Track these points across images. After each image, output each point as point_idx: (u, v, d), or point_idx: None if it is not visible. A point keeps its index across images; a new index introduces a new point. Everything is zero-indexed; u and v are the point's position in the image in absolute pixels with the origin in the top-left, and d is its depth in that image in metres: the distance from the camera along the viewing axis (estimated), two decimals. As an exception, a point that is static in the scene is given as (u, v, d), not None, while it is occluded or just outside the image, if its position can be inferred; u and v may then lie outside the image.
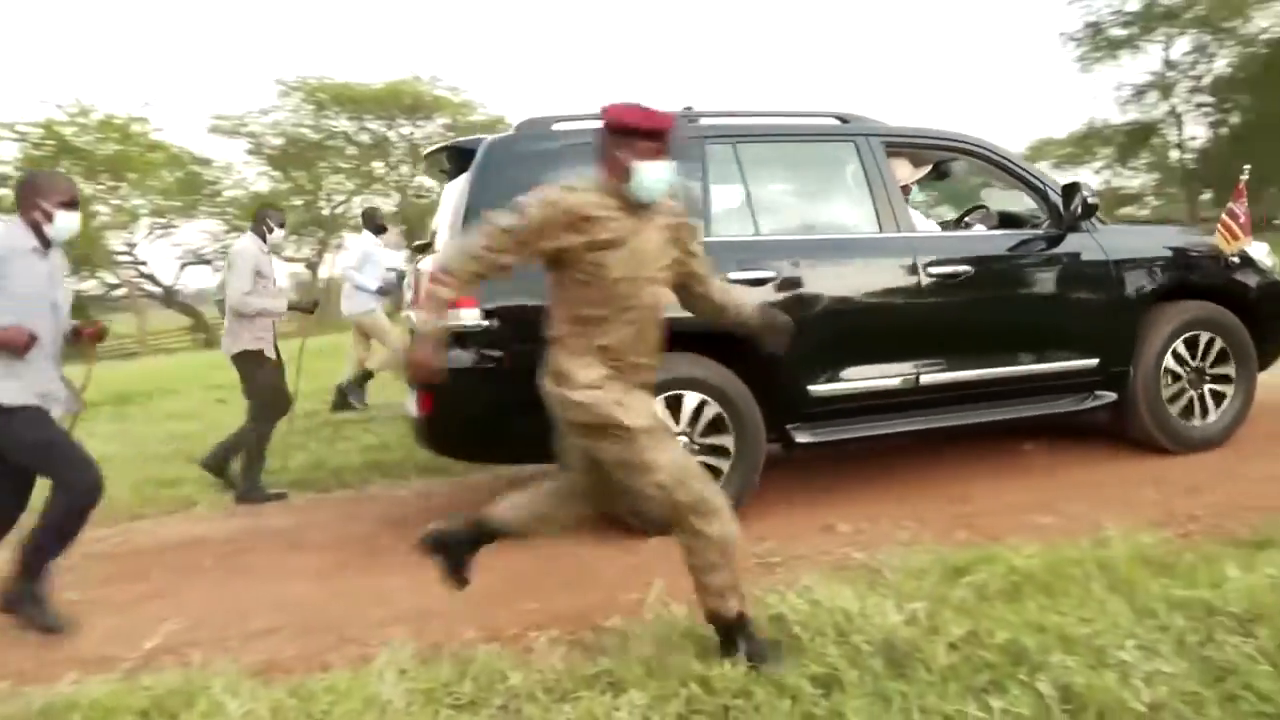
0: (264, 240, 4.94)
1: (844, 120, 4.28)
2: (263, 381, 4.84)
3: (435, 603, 2.95)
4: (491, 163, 3.72)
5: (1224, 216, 4.50)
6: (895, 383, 3.98)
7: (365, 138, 34.48)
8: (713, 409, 3.69)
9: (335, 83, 31.75)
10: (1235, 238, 4.45)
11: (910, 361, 4.00)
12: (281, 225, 5.07)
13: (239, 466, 4.92)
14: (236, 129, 30.86)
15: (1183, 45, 28.96)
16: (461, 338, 3.50)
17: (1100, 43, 26.88)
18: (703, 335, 3.45)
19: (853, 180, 4.16)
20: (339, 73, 40.49)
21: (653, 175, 2.29)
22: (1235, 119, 26.18)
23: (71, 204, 3.20)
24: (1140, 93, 30.12)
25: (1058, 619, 2.38)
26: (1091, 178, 38.93)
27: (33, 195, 3.14)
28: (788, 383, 3.82)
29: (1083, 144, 34.94)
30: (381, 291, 7.27)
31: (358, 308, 7.29)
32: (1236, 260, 4.54)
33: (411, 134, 35.83)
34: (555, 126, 3.84)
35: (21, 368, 3.06)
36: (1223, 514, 3.44)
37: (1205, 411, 4.46)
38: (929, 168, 4.77)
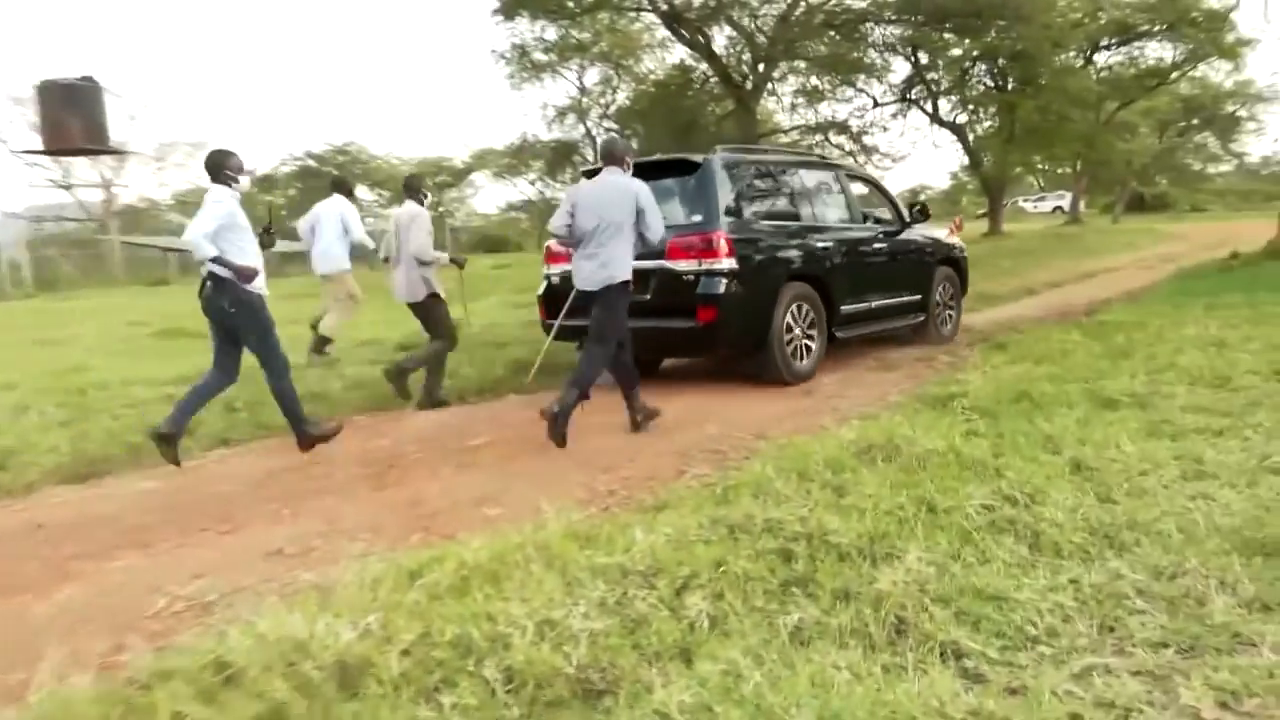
0: (422, 205, 6.32)
1: (824, 158, 8.49)
2: (446, 315, 6.27)
3: None
4: (723, 168, 6.39)
5: (954, 223, 9.77)
6: (866, 305, 7.32)
7: None
8: (811, 313, 6.65)
9: None
10: (954, 233, 9.20)
11: (870, 293, 7.37)
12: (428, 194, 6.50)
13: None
14: None
15: (594, 75, 33.66)
16: (727, 275, 5.98)
17: (526, 64, 29.33)
18: (806, 274, 6.65)
19: (840, 192, 7.67)
20: None
21: None
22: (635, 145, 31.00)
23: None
24: (562, 114, 34.22)
25: (502, 604, 2.50)
26: (527, 188, 43.39)
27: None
28: (835, 303, 6.90)
29: (518, 156, 38.45)
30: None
31: (333, 266, 7.91)
32: (956, 244, 8.93)
33: None
34: (727, 151, 6.69)
35: None
36: (633, 486, 4.03)
37: (945, 324, 8.46)
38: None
